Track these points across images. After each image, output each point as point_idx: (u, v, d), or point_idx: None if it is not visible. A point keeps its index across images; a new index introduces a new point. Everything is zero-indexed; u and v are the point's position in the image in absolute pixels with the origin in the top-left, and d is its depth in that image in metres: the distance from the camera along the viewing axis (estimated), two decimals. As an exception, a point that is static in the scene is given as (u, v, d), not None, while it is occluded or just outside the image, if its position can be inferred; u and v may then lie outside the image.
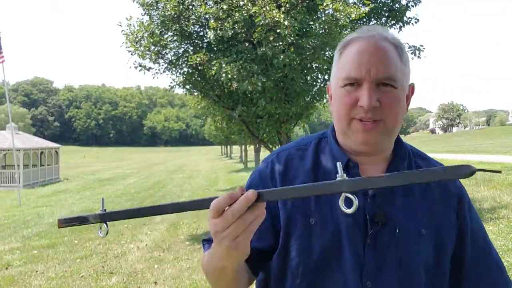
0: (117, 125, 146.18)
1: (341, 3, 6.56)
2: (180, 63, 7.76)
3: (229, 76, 6.57)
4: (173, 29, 7.26)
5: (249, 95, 7.59)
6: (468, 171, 0.62)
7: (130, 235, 7.88)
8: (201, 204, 0.75)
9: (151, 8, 7.44)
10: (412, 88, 0.98)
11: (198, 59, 6.93)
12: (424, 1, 8.22)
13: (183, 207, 0.76)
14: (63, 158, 35.29)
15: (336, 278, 0.90)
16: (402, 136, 1.03)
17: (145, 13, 7.63)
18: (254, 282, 1.06)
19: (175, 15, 7.08)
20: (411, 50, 7.98)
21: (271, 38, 6.41)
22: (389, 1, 7.85)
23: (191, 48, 7.71)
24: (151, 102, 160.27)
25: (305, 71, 7.47)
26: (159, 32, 7.34)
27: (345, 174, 0.67)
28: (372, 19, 8.08)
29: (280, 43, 6.39)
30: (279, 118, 7.71)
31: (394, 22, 8.10)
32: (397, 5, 7.85)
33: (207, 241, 1.01)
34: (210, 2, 7.20)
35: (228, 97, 8.31)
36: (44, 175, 24.29)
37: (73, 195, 15.90)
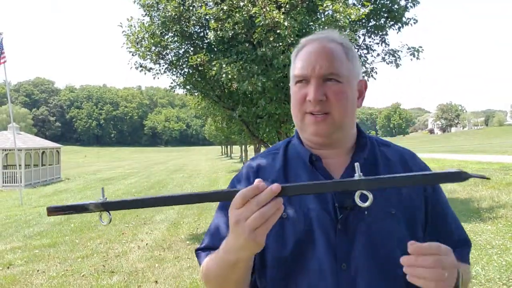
0: (118, 125, 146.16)
1: (341, 4, 6.59)
2: (180, 63, 7.79)
3: (229, 76, 6.59)
4: (174, 29, 7.29)
5: (249, 95, 7.62)
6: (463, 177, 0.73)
7: (131, 234, 7.92)
8: (206, 197, 0.78)
9: (152, 9, 7.47)
10: (364, 83, 1.06)
11: (199, 59, 6.96)
12: (423, 2, 8.24)
13: (185, 199, 0.79)
14: (64, 158, 35.32)
15: (312, 266, 0.94)
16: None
17: (145, 14, 7.66)
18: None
19: (176, 16, 7.11)
20: (410, 51, 8.00)
21: (271, 39, 6.44)
22: (388, 2, 7.87)
23: (192, 48, 7.74)
24: (151, 102, 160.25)
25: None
26: (159, 33, 7.37)
27: (362, 174, 0.73)
28: (371, 20, 8.10)
29: (280, 43, 6.42)
30: (279, 118, 7.74)
31: (393, 23, 8.12)
32: (396, 6, 7.87)
33: (202, 250, 1.05)
34: (211, 3, 7.23)
35: (228, 98, 8.34)
36: (45, 175, 24.33)
37: (74, 195, 15.94)
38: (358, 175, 0.73)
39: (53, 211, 0.84)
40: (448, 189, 10.40)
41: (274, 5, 6.57)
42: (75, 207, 0.83)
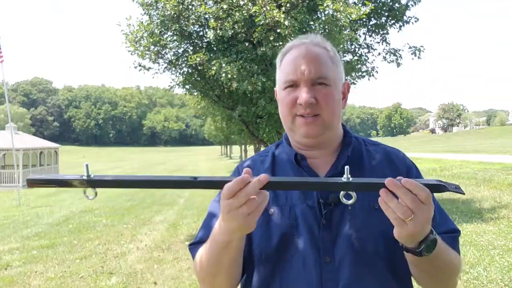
0: (117, 125, 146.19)
1: (341, 3, 6.55)
2: (179, 63, 7.74)
3: (229, 76, 6.55)
4: (173, 29, 7.24)
5: (249, 95, 7.58)
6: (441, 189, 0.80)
7: (129, 235, 7.87)
8: (186, 183, 0.81)
9: (151, 8, 7.42)
10: (347, 85, 1.11)
11: (198, 59, 6.92)
12: (424, 1, 8.21)
13: (171, 183, 0.80)
14: (62, 158, 35.25)
15: (296, 259, 0.99)
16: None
17: (144, 13, 7.61)
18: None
19: (175, 15, 7.07)
20: (411, 50, 7.97)
21: (271, 38, 6.40)
22: (389, 1, 7.84)
23: (191, 48, 7.69)
24: (150, 102, 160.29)
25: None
26: (158, 32, 7.32)
27: (350, 176, 0.79)
28: (372, 19, 8.07)
29: (280, 43, 6.38)
30: (279, 118, 7.70)
31: (394, 21, 8.08)
32: (396, 5, 7.84)
33: (194, 245, 1.10)
34: (210, 2, 7.19)
35: (228, 97, 8.30)
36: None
37: (72, 195, 15.87)
38: (346, 178, 0.79)
39: (35, 182, 0.80)
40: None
41: (274, 4, 6.53)
42: (59, 181, 0.81)
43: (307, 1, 6.86)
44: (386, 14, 8.00)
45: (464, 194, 0.85)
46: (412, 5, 7.98)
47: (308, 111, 1.00)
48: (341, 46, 7.01)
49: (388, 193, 0.79)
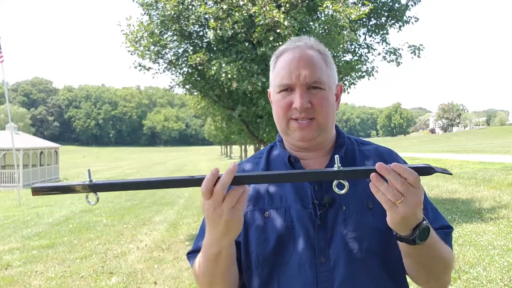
0: (117, 125, 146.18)
1: (341, 3, 6.55)
2: (179, 63, 7.74)
3: (229, 76, 6.56)
4: (173, 29, 7.24)
5: (249, 95, 7.58)
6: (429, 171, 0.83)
7: (129, 235, 7.87)
8: (193, 181, 0.82)
9: (151, 8, 7.42)
10: (340, 87, 1.12)
11: (198, 59, 6.92)
12: (424, 1, 8.21)
13: (175, 183, 0.82)
14: (62, 158, 35.27)
15: (292, 260, 1.00)
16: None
17: (144, 13, 7.61)
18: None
19: (175, 15, 7.07)
20: (411, 49, 7.96)
21: (271, 38, 6.40)
22: (388, 1, 7.84)
23: (191, 48, 7.69)
24: (150, 102, 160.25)
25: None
26: (158, 32, 7.32)
27: (340, 165, 0.81)
28: (372, 19, 8.07)
29: (280, 43, 6.38)
30: (279, 119, 7.69)
31: (394, 21, 8.08)
32: (397, 5, 7.84)
33: (192, 253, 1.11)
34: (210, 2, 7.18)
35: (228, 97, 8.30)
36: (43, 175, 24.27)
37: (72, 195, 15.85)
38: (337, 166, 0.81)
39: (39, 191, 0.82)
40: (450, 189, 10.38)
41: (274, 4, 6.53)
42: (62, 188, 0.83)
43: (306, 1, 6.86)
44: (386, 14, 8.00)
45: (451, 174, 0.88)
46: (412, 5, 7.98)
47: (303, 115, 1.01)
48: (341, 46, 7.02)
49: (378, 177, 0.80)
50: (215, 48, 7.33)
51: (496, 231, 6.19)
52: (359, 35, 8.08)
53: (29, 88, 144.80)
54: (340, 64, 7.58)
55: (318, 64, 1.03)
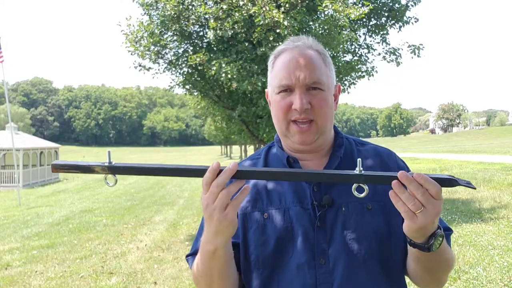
0: (117, 125, 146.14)
1: (340, 3, 6.55)
2: (179, 63, 7.74)
3: (229, 76, 6.56)
4: (173, 29, 7.24)
5: (249, 95, 7.58)
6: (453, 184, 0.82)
7: (129, 235, 7.87)
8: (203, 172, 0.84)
9: (151, 8, 7.42)
10: (338, 87, 1.11)
11: (198, 59, 6.92)
12: (424, 1, 8.21)
13: (187, 172, 0.84)
14: (62, 158, 35.13)
15: (291, 262, 1.00)
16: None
17: (144, 13, 7.61)
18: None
19: (175, 15, 7.07)
20: (411, 49, 7.96)
21: (271, 38, 6.40)
22: (389, 1, 7.84)
23: (191, 48, 7.69)
24: (150, 102, 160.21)
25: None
26: (158, 32, 7.32)
27: (362, 169, 0.82)
28: (372, 19, 8.07)
29: (280, 43, 6.34)
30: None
31: (394, 21, 8.08)
32: (397, 5, 7.84)
33: (190, 255, 1.12)
34: (210, 2, 7.18)
35: (228, 97, 8.30)
36: (43, 175, 24.27)
37: (72, 195, 15.89)
38: (358, 170, 0.81)
39: (59, 168, 0.84)
40: (450, 189, 10.37)
41: (274, 5, 6.53)
42: (82, 167, 0.85)
43: (306, 1, 6.86)
44: (386, 14, 8.00)
45: (475, 188, 0.86)
46: (412, 6, 7.98)
47: (302, 116, 1.00)
48: (341, 46, 7.01)
49: (400, 185, 0.80)
50: (215, 48, 7.33)
51: (496, 231, 6.19)
52: (359, 35, 8.08)
53: (29, 88, 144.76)
54: (340, 64, 7.58)
55: (318, 65, 1.02)
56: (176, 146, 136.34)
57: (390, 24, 8.13)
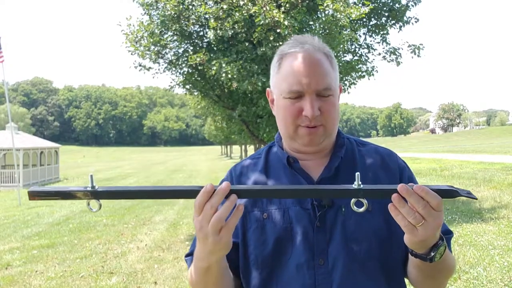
0: (117, 125, 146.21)
1: (341, 3, 6.54)
2: (180, 63, 7.74)
3: (229, 76, 6.55)
4: (173, 29, 7.24)
5: (249, 95, 7.58)
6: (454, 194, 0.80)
7: (130, 235, 7.87)
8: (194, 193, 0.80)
9: (151, 8, 7.42)
10: (340, 87, 1.10)
11: (198, 59, 6.91)
12: (425, 1, 8.20)
13: (179, 194, 0.81)
14: (63, 158, 35.26)
15: (290, 262, 1.00)
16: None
17: (145, 13, 7.61)
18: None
19: (175, 15, 7.07)
20: (411, 49, 7.96)
21: (271, 38, 6.40)
22: (389, 1, 7.84)
23: (191, 48, 7.69)
24: (151, 102, 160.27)
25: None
26: (159, 32, 7.32)
27: (361, 183, 0.79)
28: (372, 19, 8.06)
29: (280, 43, 6.38)
30: (279, 119, 7.69)
31: (394, 21, 8.08)
32: (397, 5, 7.83)
33: (189, 256, 1.10)
34: (210, 2, 7.18)
35: (228, 97, 8.30)
36: (44, 175, 24.28)
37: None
38: (357, 184, 0.79)
39: (36, 195, 0.76)
40: (449, 189, 10.36)
41: (274, 4, 6.53)
42: (62, 193, 0.77)
43: (307, 1, 6.86)
44: (386, 14, 7.99)
45: (476, 199, 0.84)
46: (413, 6, 7.97)
47: (313, 123, 1.00)
48: (341, 46, 7.01)
49: (400, 198, 0.78)
50: (215, 48, 7.33)
51: (496, 231, 6.19)
52: (359, 35, 8.07)
53: (29, 88, 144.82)
54: (341, 64, 7.58)
55: (327, 70, 1.02)
56: (176, 146, 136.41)
57: (391, 24, 8.12)
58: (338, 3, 6.50)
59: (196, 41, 7.73)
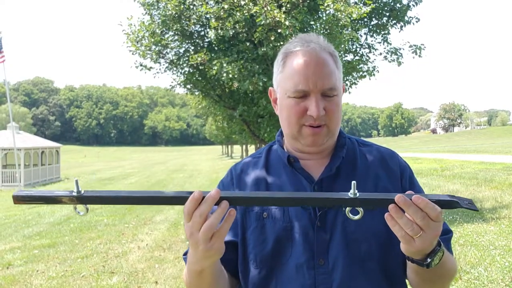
0: (118, 124, 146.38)
1: (342, 3, 6.54)
2: (181, 62, 7.75)
3: (230, 75, 6.56)
4: (174, 28, 7.25)
5: (250, 94, 7.59)
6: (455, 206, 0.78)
7: (130, 235, 7.88)
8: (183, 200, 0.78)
9: (152, 7, 7.43)
10: (343, 87, 1.09)
11: (199, 58, 6.92)
12: (425, 1, 8.20)
13: (167, 200, 0.78)
14: (63, 158, 35.29)
15: (290, 262, 0.99)
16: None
17: (146, 13, 7.63)
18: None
19: (176, 15, 7.08)
20: (412, 49, 7.96)
21: (272, 38, 6.41)
22: (390, 1, 7.84)
23: (192, 47, 7.71)
24: (152, 101, 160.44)
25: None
26: (160, 31, 7.34)
27: (357, 191, 0.77)
28: (373, 19, 8.07)
29: (281, 43, 6.38)
30: (280, 118, 7.70)
31: (395, 21, 8.08)
32: (398, 5, 7.83)
33: (187, 254, 1.07)
34: (211, 2, 7.19)
35: (229, 97, 8.32)
36: (45, 175, 24.31)
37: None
38: (352, 193, 0.77)
39: (21, 200, 0.75)
40: (451, 189, 10.36)
41: (275, 4, 6.53)
42: (47, 198, 0.76)
43: (307, 1, 6.86)
44: (387, 14, 8.00)
45: (477, 210, 0.81)
46: (414, 5, 7.97)
47: (317, 122, 0.99)
48: (342, 46, 7.01)
49: (398, 209, 0.76)
50: (216, 48, 7.34)
51: (497, 231, 6.18)
52: (360, 35, 8.08)
53: (31, 88, 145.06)
54: (342, 64, 7.59)
55: (333, 70, 1.01)
56: (177, 145, 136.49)
57: (392, 24, 8.13)
58: (339, 3, 6.50)
59: (197, 41, 7.74)
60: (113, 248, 6.88)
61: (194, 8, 7.23)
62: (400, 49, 8.21)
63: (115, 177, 24.76)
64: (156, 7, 7.39)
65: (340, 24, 6.60)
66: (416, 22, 8.15)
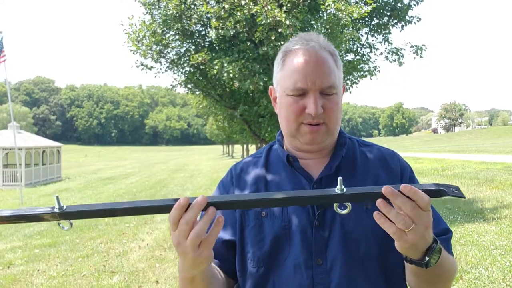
0: (119, 124, 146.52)
1: (342, 2, 6.54)
2: (181, 62, 7.76)
3: (231, 75, 6.56)
4: (175, 28, 7.25)
5: (250, 94, 7.60)
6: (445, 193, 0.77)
7: (131, 234, 7.89)
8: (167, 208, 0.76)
9: (153, 7, 7.44)
10: (344, 87, 1.09)
11: (200, 58, 6.92)
12: (426, 0, 8.20)
13: (147, 210, 0.76)
14: (64, 157, 35.32)
15: (288, 261, 0.99)
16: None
17: (147, 12, 7.63)
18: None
19: (177, 14, 7.08)
20: (413, 49, 7.95)
21: (273, 38, 6.40)
22: (391, 0, 7.83)
23: (193, 47, 7.71)
24: (152, 101, 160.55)
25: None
26: (160, 31, 7.34)
27: (343, 187, 0.76)
28: (374, 18, 8.06)
29: (282, 42, 6.38)
30: (281, 118, 7.71)
31: (396, 21, 8.07)
32: (399, 4, 7.83)
33: None
34: (212, 2, 7.19)
35: (230, 97, 8.32)
36: (45, 174, 24.33)
37: (74, 194, 15.92)
38: (339, 189, 0.75)
39: (5, 220, 0.73)
40: (451, 189, 10.35)
41: (276, 4, 6.53)
42: (29, 217, 0.74)
43: (308, 1, 6.86)
44: (388, 14, 7.99)
45: (464, 197, 0.79)
46: (415, 5, 7.97)
47: (315, 120, 0.99)
48: (343, 45, 7.01)
49: (386, 204, 0.74)
50: (217, 48, 7.35)
51: (498, 231, 6.17)
52: (361, 34, 8.07)
53: (31, 87, 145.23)
54: (343, 64, 7.58)
55: (332, 69, 1.01)
56: (178, 145, 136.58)
57: (393, 23, 8.12)
58: (340, 2, 6.49)
59: (198, 40, 7.74)
60: (114, 248, 6.89)
61: (195, 7, 7.23)
62: (401, 49, 8.21)
63: (116, 176, 24.78)
64: (157, 6, 7.40)
65: (341, 24, 6.59)
66: (417, 21, 8.14)
